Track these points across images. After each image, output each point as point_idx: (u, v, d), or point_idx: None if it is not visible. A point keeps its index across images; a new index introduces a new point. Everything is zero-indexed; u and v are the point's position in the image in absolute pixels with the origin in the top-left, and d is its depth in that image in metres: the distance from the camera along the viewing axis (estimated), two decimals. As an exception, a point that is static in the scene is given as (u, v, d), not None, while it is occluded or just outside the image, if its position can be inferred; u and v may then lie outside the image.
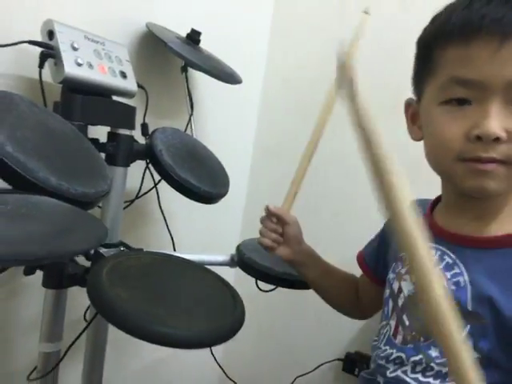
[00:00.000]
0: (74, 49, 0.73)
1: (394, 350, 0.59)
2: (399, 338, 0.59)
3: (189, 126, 1.02)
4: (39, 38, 0.73)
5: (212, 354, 1.09)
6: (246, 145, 1.38)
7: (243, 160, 1.38)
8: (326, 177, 1.18)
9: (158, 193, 0.94)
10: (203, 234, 1.21)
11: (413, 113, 0.62)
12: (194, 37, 1.01)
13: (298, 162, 0.78)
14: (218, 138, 1.19)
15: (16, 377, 0.83)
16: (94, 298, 0.58)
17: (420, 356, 0.56)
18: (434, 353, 0.54)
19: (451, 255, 0.56)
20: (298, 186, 0.79)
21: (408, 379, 0.56)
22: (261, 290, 0.96)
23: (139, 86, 0.86)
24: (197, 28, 1.01)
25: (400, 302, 0.62)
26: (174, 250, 1.00)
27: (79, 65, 0.73)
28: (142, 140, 0.89)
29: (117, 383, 1.08)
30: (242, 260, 0.90)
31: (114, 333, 0.92)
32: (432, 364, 0.54)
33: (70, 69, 0.71)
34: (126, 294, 0.58)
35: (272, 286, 0.93)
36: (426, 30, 0.56)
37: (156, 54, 0.96)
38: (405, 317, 0.59)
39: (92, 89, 0.76)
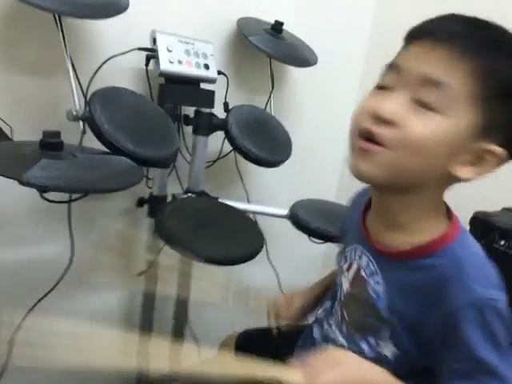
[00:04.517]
0: (169, 51, 1.02)
1: (340, 336, 0.67)
2: (343, 328, 0.66)
3: (268, 103, 1.24)
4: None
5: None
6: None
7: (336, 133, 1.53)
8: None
9: (235, 156, 1.21)
10: (273, 190, 1.40)
11: None
12: (277, 27, 1.21)
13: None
14: (300, 115, 1.38)
15: (129, 274, 1.21)
16: (157, 223, 0.89)
17: (354, 348, 0.63)
18: (365, 347, 0.62)
19: (374, 264, 0.61)
20: None
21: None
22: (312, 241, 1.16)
23: (221, 73, 1.12)
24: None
25: (341, 296, 0.69)
26: (248, 201, 1.27)
27: (171, 62, 1.02)
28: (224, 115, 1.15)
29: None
30: (292, 215, 1.12)
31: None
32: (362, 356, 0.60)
33: (164, 66, 1.01)
34: (176, 222, 0.88)
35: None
36: None
37: (243, 45, 1.19)
38: (345, 312, 0.66)
39: (181, 79, 1.05)
